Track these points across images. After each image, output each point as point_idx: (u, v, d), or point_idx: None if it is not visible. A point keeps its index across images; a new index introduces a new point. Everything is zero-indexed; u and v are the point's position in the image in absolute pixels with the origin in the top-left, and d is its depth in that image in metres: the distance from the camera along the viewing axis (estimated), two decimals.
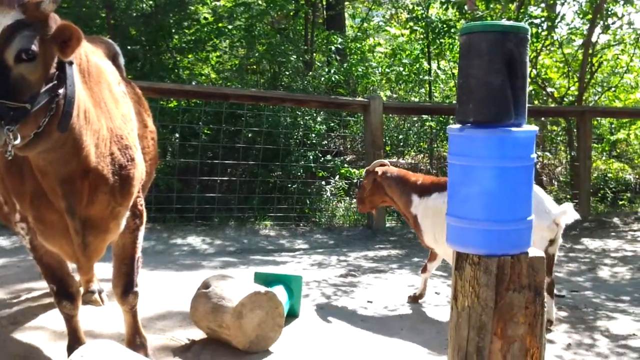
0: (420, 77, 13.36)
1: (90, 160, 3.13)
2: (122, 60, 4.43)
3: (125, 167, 3.38)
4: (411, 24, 13.03)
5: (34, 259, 3.60)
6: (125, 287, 3.69)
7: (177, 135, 9.65)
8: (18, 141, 2.69)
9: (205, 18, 11.56)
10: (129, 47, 9.95)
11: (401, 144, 12.06)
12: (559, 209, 4.88)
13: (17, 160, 3.09)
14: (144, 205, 3.81)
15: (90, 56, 3.31)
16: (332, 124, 11.34)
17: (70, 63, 2.90)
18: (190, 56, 11.67)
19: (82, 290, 4.51)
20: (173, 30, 10.93)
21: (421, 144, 12.42)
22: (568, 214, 4.87)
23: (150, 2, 11.05)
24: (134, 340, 3.78)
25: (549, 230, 4.79)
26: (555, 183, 12.21)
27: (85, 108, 3.05)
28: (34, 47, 2.69)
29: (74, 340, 3.65)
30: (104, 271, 4.88)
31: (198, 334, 4.23)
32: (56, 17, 2.87)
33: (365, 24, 15.23)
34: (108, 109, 3.31)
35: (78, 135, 3.02)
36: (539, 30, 11.24)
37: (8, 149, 2.67)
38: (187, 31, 11.29)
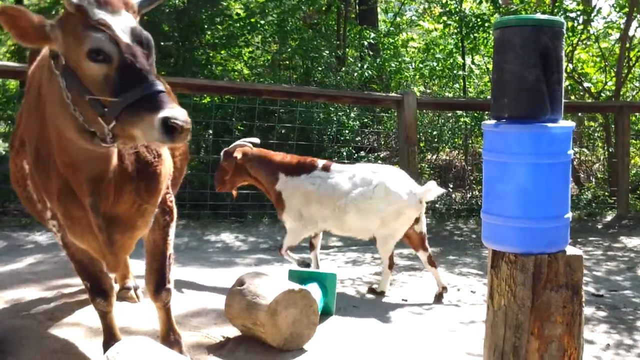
0: (454, 72, 13.26)
1: (114, 158, 3.15)
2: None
3: (152, 163, 3.37)
4: (444, 18, 12.95)
5: (67, 256, 3.63)
6: (157, 284, 3.70)
7: (210, 131, 9.69)
8: None
9: (237, 14, 11.62)
10: (162, 43, 10.04)
11: (435, 140, 11.98)
12: (422, 187, 5.27)
13: (43, 157, 3.14)
14: (174, 202, 3.81)
15: None
16: (366, 120, 11.31)
17: None
18: (222, 52, 11.72)
19: (117, 287, 4.54)
20: (205, 26, 10.99)
21: (456, 139, 12.33)
22: (432, 191, 5.26)
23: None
24: (169, 337, 3.79)
25: (415, 210, 5.25)
26: (593, 180, 12.03)
27: None
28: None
29: (110, 337, 3.67)
30: (140, 268, 4.91)
31: (232, 332, 4.24)
32: None
33: (398, 19, 15.17)
34: None
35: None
36: (575, 24, 11.08)
37: None
38: (219, 27, 11.34)
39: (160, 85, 2.64)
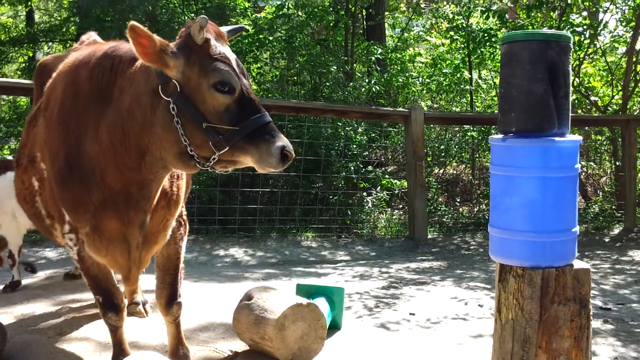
0: (461, 86, 13.28)
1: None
2: None
3: (179, 177, 3.45)
4: (452, 33, 13.00)
5: (80, 270, 3.65)
6: (169, 298, 3.72)
7: None
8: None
9: (246, 30, 11.66)
10: None
11: (442, 154, 11.99)
12: None
13: (81, 171, 3.20)
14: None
15: None
16: (373, 135, 11.33)
17: None
18: None
19: (126, 301, 4.56)
20: None
21: (463, 154, 12.34)
22: None
23: (192, 15, 11.19)
24: (177, 351, 3.80)
25: None
26: (600, 193, 12.01)
27: None
28: None
29: (119, 352, 3.68)
30: (147, 283, 4.93)
31: (240, 346, 4.24)
32: None
33: (405, 34, 15.21)
34: None
35: None
36: (582, 39, 11.10)
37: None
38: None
39: (269, 116, 2.90)
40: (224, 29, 3.20)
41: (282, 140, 2.85)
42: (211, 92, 2.86)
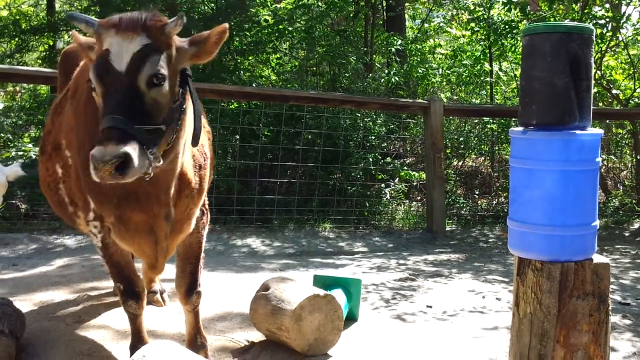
0: (482, 78, 13.20)
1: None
2: None
3: (203, 166, 3.47)
4: (472, 24, 12.90)
5: (102, 257, 3.65)
6: (189, 287, 3.73)
7: (237, 136, 9.74)
8: (161, 162, 2.84)
9: (265, 20, 11.67)
10: None
11: (462, 146, 11.93)
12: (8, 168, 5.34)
13: None
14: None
15: None
16: (392, 126, 11.29)
17: (190, 76, 3.02)
18: (250, 58, 11.78)
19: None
20: (234, 33, 11.05)
21: (482, 146, 12.27)
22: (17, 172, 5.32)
23: (212, 5, 11.20)
24: (195, 340, 3.81)
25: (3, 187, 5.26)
26: (621, 187, 11.91)
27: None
28: (164, 71, 2.80)
29: (137, 340, 3.69)
30: (165, 272, 4.94)
31: (257, 336, 4.25)
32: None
33: (425, 25, 15.13)
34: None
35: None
36: (604, 31, 10.98)
37: (149, 171, 2.76)
38: (247, 33, 11.39)
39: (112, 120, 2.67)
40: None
41: (96, 149, 2.62)
42: None
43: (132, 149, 2.61)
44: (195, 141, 3.11)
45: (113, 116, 2.66)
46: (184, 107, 2.96)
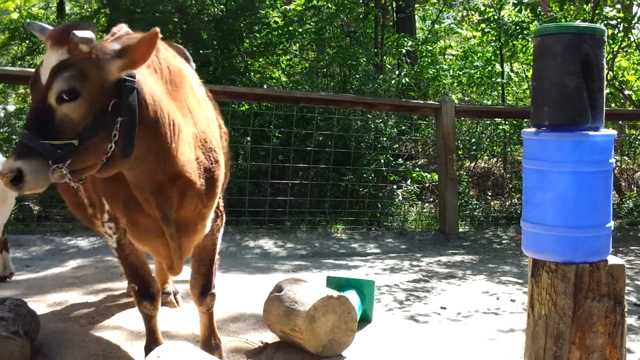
0: (493, 79, 13.17)
1: (177, 168, 3.22)
2: (193, 66, 4.51)
3: (210, 169, 3.46)
4: (483, 25, 12.87)
5: (117, 258, 3.69)
6: (204, 288, 3.75)
7: (248, 138, 9.75)
8: (84, 175, 2.92)
9: (275, 22, 11.67)
10: (201, 52, 10.14)
11: (474, 147, 11.91)
12: None
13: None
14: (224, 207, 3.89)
15: (172, 61, 3.37)
16: (403, 127, 11.28)
17: (133, 89, 2.90)
18: (261, 60, 11.79)
19: None
20: (244, 34, 11.07)
21: (494, 147, 12.23)
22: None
23: (222, 7, 11.23)
24: (209, 341, 3.83)
25: None
26: (634, 188, 11.85)
27: (173, 120, 3.12)
28: (76, 87, 2.76)
29: (152, 341, 3.72)
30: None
31: (271, 337, 4.27)
32: (107, 45, 2.94)
33: (435, 26, 15.11)
34: (192, 114, 3.37)
35: (162, 149, 3.10)
36: (615, 32, 10.94)
37: (66, 180, 2.80)
38: (257, 35, 11.41)
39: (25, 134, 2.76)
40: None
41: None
42: None
43: (26, 164, 2.66)
44: (124, 153, 2.95)
45: (24, 130, 2.76)
46: (123, 118, 2.85)
